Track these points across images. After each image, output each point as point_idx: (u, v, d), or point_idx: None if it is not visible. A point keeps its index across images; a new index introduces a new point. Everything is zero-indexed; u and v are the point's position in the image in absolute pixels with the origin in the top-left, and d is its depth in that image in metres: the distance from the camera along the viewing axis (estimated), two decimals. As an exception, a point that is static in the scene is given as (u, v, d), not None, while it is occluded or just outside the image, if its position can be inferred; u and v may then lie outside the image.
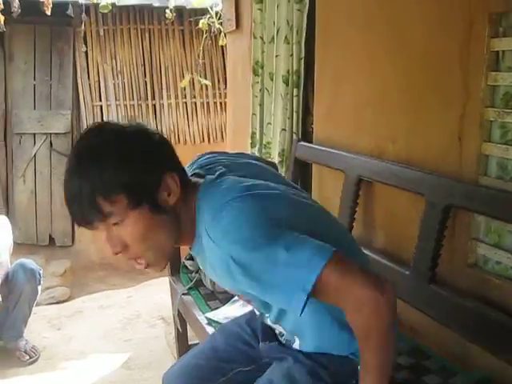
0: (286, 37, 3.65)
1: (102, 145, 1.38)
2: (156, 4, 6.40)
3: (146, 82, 6.67)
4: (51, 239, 6.74)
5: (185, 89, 6.69)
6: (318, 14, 3.42)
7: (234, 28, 4.59)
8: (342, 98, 3.18)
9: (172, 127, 6.82)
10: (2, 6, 5.37)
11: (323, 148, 3.23)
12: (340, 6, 3.18)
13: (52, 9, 5.57)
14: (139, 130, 1.45)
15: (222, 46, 6.30)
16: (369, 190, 2.87)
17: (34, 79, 6.53)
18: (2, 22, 5.47)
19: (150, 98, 6.67)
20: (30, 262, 3.97)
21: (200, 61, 6.55)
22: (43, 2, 5.54)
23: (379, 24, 2.85)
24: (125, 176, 1.35)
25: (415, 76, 2.60)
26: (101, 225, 1.41)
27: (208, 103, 6.98)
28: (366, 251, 2.67)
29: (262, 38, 3.98)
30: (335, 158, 3.08)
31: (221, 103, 6.95)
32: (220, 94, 6.96)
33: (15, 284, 3.82)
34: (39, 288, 3.92)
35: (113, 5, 6.17)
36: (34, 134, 6.57)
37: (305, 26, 3.52)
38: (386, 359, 1.38)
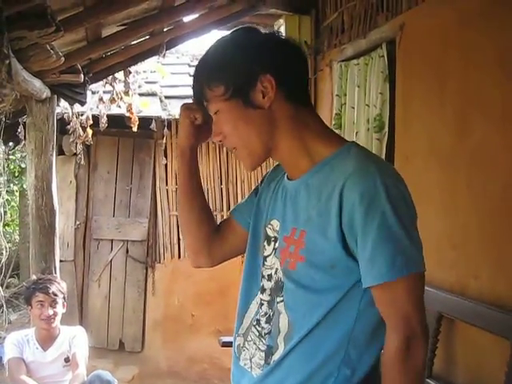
0: (364, 165, 3.72)
1: (220, 42, 1.56)
2: (235, 119, 6.62)
3: (222, 193, 6.84)
4: (121, 344, 6.80)
5: (260, 201, 6.79)
6: (398, 145, 3.50)
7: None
8: (421, 230, 3.18)
9: (245, 238, 6.86)
10: (91, 122, 5.69)
11: (402, 279, 3.23)
12: (421, 138, 3.25)
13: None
14: (252, 30, 1.58)
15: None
16: (450, 327, 2.84)
17: (115, 188, 6.77)
18: (90, 136, 5.78)
19: (225, 209, 6.79)
20: (106, 373, 4.04)
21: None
22: (129, 118, 5.84)
23: (460, 157, 2.89)
24: (223, 70, 1.49)
25: (499, 209, 2.61)
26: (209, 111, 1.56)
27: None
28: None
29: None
30: (415, 290, 3.07)
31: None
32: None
33: (90, 396, 3.88)
34: (113, 400, 3.97)
35: (193, 120, 6.44)
36: (112, 241, 6.77)
37: (384, 155, 3.60)
38: None
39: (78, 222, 6.66)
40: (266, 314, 1.56)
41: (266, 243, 1.61)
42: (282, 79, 1.47)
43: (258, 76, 1.46)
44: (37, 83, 3.95)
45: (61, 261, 5.18)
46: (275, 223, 1.58)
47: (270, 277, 1.56)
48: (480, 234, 2.72)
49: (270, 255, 1.58)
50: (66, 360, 4.00)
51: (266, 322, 1.55)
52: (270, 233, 1.60)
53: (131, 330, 6.78)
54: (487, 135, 2.69)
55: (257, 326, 1.58)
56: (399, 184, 1.44)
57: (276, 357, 1.50)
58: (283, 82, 1.48)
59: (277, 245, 1.56)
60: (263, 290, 1.58)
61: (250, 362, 1.58)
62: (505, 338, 2.38)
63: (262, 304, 1.58)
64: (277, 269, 1.54)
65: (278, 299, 1.52)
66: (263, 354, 1.53)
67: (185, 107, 1.67)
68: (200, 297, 6.64)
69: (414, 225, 1.44)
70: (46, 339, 4.02)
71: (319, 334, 1.44)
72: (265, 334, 1.54)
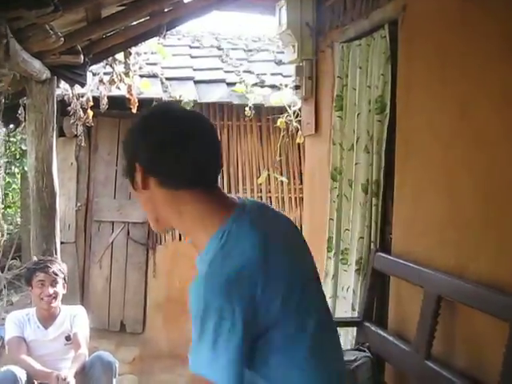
0: (365, 146, 3.71)
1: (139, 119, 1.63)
2: (236, 101, 6.62)
3: (222, 175, 6.81)
4: (122, 325, 6.83)
5: (261, 184, 6.80)
6: (399, 126, 3.48)
7: (313, 132, 4.71)
8: (422, 211, 3.19)
9: (247, 220, 6.84)
10: (91, 103, 5.67)
11: (401, 261, 3.23)
12: (422, 119, 3.23)
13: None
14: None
15: (298, 143, 6.41)
16: (450, 309, 2.83)
17: (116, 170, 6.74)
18: (91, 117, 5.76)
19: (226, 190, 6.75)
20: (107, 354, 4.04)
21: (277, 158, 6.69)
22: (129, 99, 5.82)
23: (461, 138, 2.88)
24: (125, 150, 1.64)
25: (499, 191, 2.60)
26: None
27: (283, 198, 7.03)
28: (444, 371, 2.66)
29: (341, 145, 4.06)
30: (414, 272, 3.07)
31: (296, 198, 6.98)
32: (295, 189, 6.97)
33: (92, 376, 3.87)
34: (114, 381, 3.96)
35: (194, 101, 6.43)
36: (113, 222, 6.77)
37: (385, 136, 3.58)
38: None
39: (78, 204, 6.66)
40: None
41: None
42: (151, 169, 1.55)
43: (135, 163, 1.57)
44: (36, 64, 3.92)
45: (62, 243, 5.18)
46: None
47: None
48: (480, 216, 2.71)
49: None
50: (67, 338, 4.01)
51: None
52: None
53: (132, 311, 6.80)
54: (488, 116, 2.67)
55: None
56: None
57: None
58: (154, 172, 1.55)
59: None
60: None
61: None
62: (504, 320, 2.38)
63: None
64: None
65: None
66: None
67: None
68: (201, 278, 6.62)
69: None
70: (47, 318, 4.03)
71: None
72: None
